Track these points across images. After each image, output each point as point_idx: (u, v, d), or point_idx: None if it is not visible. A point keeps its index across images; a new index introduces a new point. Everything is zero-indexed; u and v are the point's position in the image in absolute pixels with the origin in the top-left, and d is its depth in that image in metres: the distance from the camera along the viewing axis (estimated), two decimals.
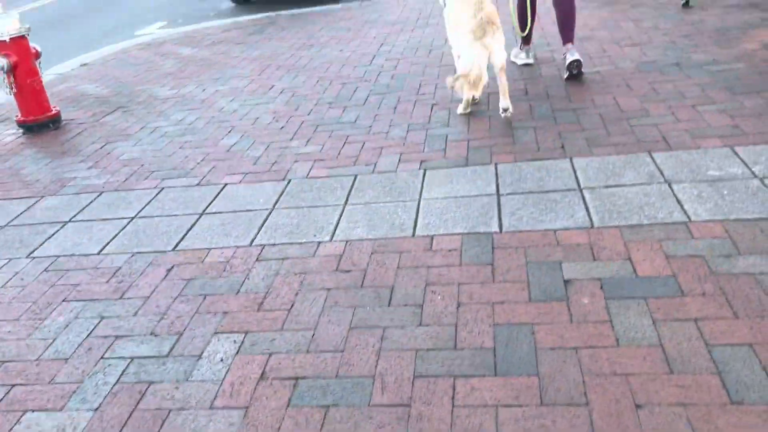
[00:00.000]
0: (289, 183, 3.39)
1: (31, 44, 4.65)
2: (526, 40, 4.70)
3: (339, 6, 8.06)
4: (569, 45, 4.25)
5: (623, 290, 2.21)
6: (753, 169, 2.82)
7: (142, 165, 3.86)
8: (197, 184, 3.51)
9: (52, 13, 11.16)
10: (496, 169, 3.21)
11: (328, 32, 6.65)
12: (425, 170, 3.31)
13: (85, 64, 6.64)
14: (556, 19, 4.38)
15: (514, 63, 4.74)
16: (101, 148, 4.24)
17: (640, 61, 4.38)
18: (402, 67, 5.07)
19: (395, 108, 4.23)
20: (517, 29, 4.56)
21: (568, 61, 4.18)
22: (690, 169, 2.91)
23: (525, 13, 4.58)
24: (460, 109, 3.98)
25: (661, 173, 2.91)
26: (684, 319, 2.04)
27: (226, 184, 3.47)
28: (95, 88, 5.73)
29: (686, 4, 5.51)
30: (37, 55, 4.69)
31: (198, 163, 3.79)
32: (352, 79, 4.96)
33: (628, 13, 5.60)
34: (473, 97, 3.85)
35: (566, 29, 4.27)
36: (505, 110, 3.79)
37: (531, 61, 4.69)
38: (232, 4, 9.79)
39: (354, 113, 4.24)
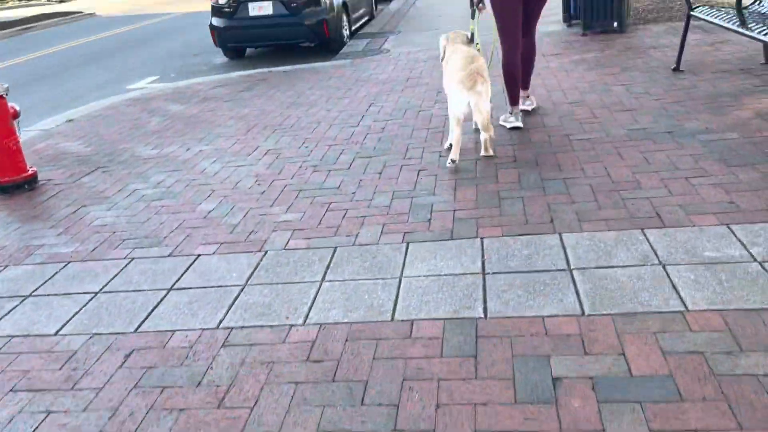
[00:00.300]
0: (265, 255, 3.22)
1: (10, 104, 4.55)
2: (514, 101, 4.63)
3: (331, 63, 8.06)
4: (526, 91, 4.89)
5: (617, 392, 2.02)
6: (752, 251, 2.67)
7: (114, 232, 3.69)
8: (169, 255, 3.34)
9: (46, 65, 11.20)
10: (482, 243, 3.05)
11: (319, 90, 6.60)
12: (408, 243, 3.15)
13: (70, 120, 6.54)
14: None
15: (503, 126, 4.66)
16: (74, 212, 4.08)
17: (631, 128, 4.29)
18: (390, 129, 4.98)
19: (381, 173, 4.10)
20: (507, 98, 4.63)
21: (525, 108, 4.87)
22: (685, 250, 2.75)
23: (515, 79, 4.54)
24: (450, 158, 3.99)
25: (655, 253, 2.76)
26: (683, 429, 1.85)
27: (199, 255, 3.30)
28: (77, 146, 5.61)
29: (677, 69, 5.48)
30: (15, 114, 4.58)
31: (172, 231, 3.62)
32: (338, 141, 4.85)
33: (619, 77, 5.56)
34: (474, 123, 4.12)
35: (525, 75, 4.80)
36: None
37: (520, 124, 4.60)
38: (226, 59, 9.84)
39: (338, 178, 4.11)
